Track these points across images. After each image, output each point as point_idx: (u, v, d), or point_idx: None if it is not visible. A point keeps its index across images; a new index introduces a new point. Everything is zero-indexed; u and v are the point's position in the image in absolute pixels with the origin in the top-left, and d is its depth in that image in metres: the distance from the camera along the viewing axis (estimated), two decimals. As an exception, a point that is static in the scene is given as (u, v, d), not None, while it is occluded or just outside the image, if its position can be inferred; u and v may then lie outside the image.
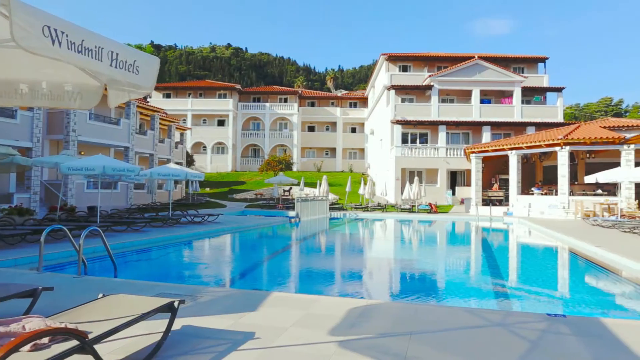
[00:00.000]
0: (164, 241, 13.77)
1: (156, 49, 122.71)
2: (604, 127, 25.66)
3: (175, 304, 3.96)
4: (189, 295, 6.08)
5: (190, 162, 43.57)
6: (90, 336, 3.05)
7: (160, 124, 33.23)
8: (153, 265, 11.43)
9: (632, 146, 22.21)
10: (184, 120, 48.98)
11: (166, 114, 34.58)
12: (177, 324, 4.64)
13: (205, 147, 50.33)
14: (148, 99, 45.44)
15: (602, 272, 10.07)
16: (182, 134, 39.51)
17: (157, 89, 51.23)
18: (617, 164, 22.45)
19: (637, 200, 22.14)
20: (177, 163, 34.22)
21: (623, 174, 18.19)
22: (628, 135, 22.64)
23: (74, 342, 2.92)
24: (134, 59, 3.44)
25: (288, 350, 4.07)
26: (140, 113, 30.69)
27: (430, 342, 4.39)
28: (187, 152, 42.48)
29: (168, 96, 52.05)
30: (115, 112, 28.05)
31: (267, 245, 16.60)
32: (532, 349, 4.23)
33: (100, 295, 4.21)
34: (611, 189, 24.24)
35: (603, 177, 18.69)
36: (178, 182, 34.27)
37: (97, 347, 3.17)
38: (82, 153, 24.74)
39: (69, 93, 3.94)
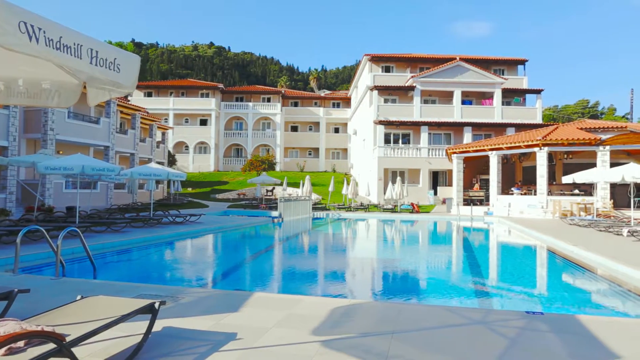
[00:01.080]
0: (145, 242, 13.59)
1: (137, 47, 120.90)
2: (581, 129, 26.23)
3: (156, 305, 3.91)
4: (170, 297, 6.01)
5: (172, 161, 43.08)
6: (68, 339, 3.00)
7: (141, 123, 32.78)
8: (134, 266, 11.28)
9: (608, 147, 22.77)
10: (166, 119, 48.39)
11: (147, 113, 34.14)
12: (158, 325, 4.59)
13: (187, 146, 49.82)
14: (129, 98, 44.79)
15: (578, 270, 10.31)
16: (163, 134, 39.04)
17: (138, 87, 50.48)
18: (594, 165, 22.99)
19: (612, 200, 22.71)
20: (158, 163, 33.82)
21: (599, 175, 18.63)
22: (603, 137, 23.20)
23: (50, 345, 2.87)
24: (114, 56, 3.40)
25: (270, 351, 4.06)
26: (121, 112, 30.23)
27: (412, 341, 4.43)
28: (168, 151, 41.98)
29: (149, 95, 51.38)
30: (95, 110, 27.57)
31: (249, 245, 16.52)
32: (511, 346, 4.31)
33: (79, 297, 4.14)
34: (587, 189, 24.79)
35: (580, 177, 19.11)
36: (160, 182, 33.86)
37: (75, 349, 3.12)
38: (61, 152, 24.25)
39: (47, 91, 3.86)
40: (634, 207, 20.01)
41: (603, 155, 22.81)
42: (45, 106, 3.98)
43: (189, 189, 38.83)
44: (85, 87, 3.67)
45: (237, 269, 11.12)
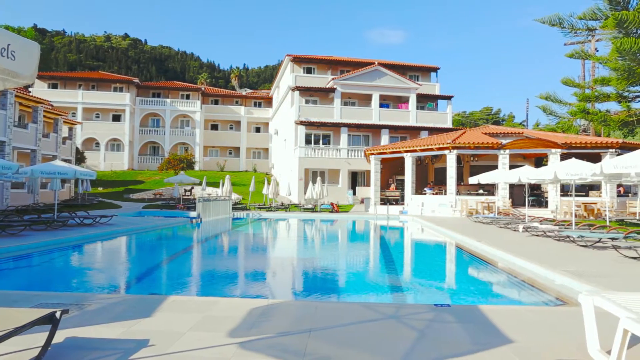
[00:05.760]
0: (47, 246, 12.50)
1: (40, 33, 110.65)
2: (485, 134, 28.45)
3: (57, 314, 3.63)
4: (74, 304, 5.61)
5: (80, 159, 40.05)
6: (-50, 356, 2.69)
7: (44, 116, 30.06)
8: (33, 273, 10.32)
9: (507, 151, 24.91)
10: (74, 113, 44.90)
11: (52, 106, 31.38)
12: (60, 336, 4.26)
13: (98, 143, 46.63)
14: (30, 89, 40.93)
15: (482, 264, 11.16)
16: (71, 129, 36.12)
17: (41, 77, 46.37)
18: (496, 167, 25.02)
19: (510, 199, 24.86)
20: (64, 160, 31.26)
21: (500, 176, 20.35)
22: (504, 141, 25.33)
23: None
24: (8, 42, 3.12)
25: (185, 356, 3.94)
26: (20, 104, 27.51)
27: (328, 337, 4.53)
28: (77, 148, 38.98)
29: (54, 86, 47.34)
30: (-13, 101, 24.83)
31: (166, 247, 15.86)
32: (421, 337, 4.57)
33: (-35, 308, 3.72)
34: (491, 189, 26.94)
35: (484, 178, 20.73)
36: (66, 181, 31.34)
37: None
38: (-55, 147, 21.55)
39: None
40: (528, 205, 22.07)
41: (503, 158, 24.90)
42: None
43: (100, 189, 36.38)
44: (-27, 75, 3.31)
45: (151, 272, 10.63)
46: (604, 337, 4.03)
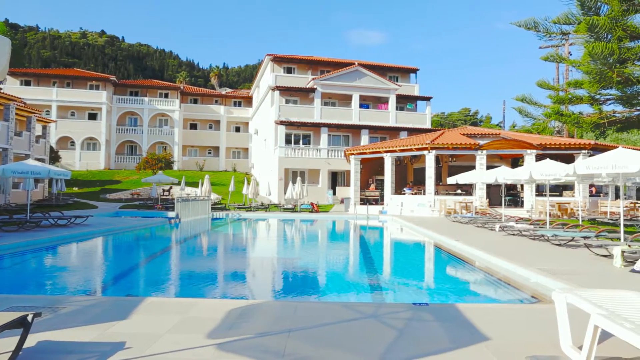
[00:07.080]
0: (19, 247, 12.17)
1: (12, 28, 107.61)
2: (463, 134, 28.85)
3: (29, 317, 3.54)
4: (47, 307, 5.48)
5: (55, 158, 39.08)
6: None
7: (17, 114, 29.25)
8: (4, 276, 10.02)
9: (484, 152, 25.33)
10: (48, 111, 43.80)
11: (25, 103, 30.56)
12: (32, 340, 4.15)
13: (73, 142, 45.61)
14: (1, 86, 39.76)
15: (460, 263, 11.32)
16: (44, 127, 35.24)
17: (13, 74, 45.11)
18: (473, 167, 25.41)
19: (487, 199, 25.29)
20: (38, 159, 30.48)
21: (477, 176, 20.66)
22: (481, 142, 25.74)
23: None
24: (-22, 40, 3.02)
25: (162, 358, 3.89)
26: (-9, 101, 26.71)
27: (308, 337, 4.54)
28: (51, 147, 38.03)
29: (27, 83, 46.09)
30: (-44, 98, 24.04)
31: (143, 248, 15.62)
32: (400, 336, 4.62)
33: None
34: (468, 189, 27.33)
35: (462, 178, 21.02)
36: (39, 180, 30.56)
37: None
38: None
39: None
40: (504, 205, 22.49)
41: (481, 159, 25.31)
42: None
43: (75, 189, 35.59)
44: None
45: (128, 273, 10.46)
46: (576, 333, 4.14)
